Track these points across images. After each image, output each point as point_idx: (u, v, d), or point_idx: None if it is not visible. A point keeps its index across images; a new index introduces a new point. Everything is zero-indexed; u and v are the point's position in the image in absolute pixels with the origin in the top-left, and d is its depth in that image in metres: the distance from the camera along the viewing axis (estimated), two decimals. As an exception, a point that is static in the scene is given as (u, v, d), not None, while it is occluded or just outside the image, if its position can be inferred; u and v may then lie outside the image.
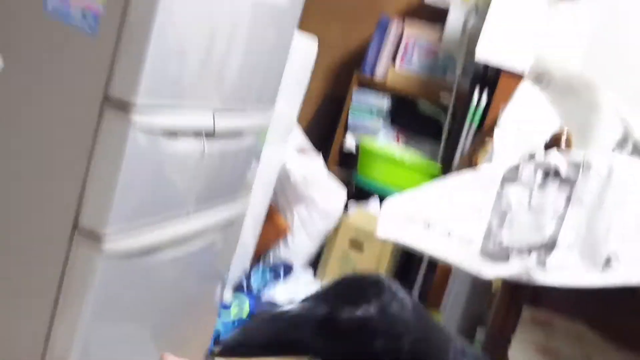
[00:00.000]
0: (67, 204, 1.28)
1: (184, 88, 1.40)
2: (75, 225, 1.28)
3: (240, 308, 2.37)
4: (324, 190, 2.77)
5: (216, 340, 2.13)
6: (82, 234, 1.28)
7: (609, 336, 1.38)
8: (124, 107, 1.25)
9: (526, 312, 1.57)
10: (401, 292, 0.77)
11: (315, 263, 2.92)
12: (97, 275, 1.28)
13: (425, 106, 3.19)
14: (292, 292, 2.60)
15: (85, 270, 1.28)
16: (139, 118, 1.26)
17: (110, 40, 1.24)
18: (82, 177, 1.28)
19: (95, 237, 1.27)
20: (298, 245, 2.79)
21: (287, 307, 0.82)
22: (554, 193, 1.08)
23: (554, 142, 1.15)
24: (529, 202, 1.08)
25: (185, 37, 1.34)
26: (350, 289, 0.78)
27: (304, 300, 0.86)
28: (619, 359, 1.63)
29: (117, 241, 1.30)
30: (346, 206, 2.91)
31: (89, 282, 1.28)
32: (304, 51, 2.34)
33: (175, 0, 1.26)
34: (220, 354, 0.85)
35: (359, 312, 0.73)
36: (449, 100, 2.96)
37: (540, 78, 1.36)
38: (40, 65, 1.29)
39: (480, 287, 1.61)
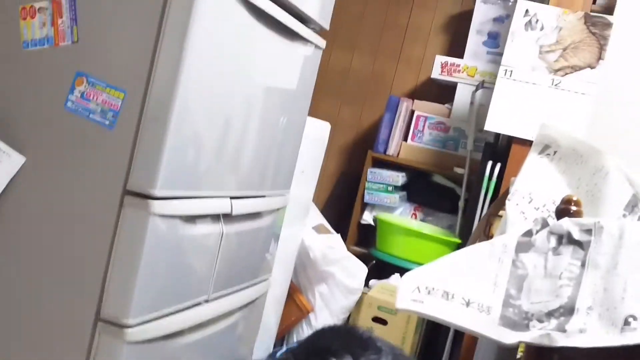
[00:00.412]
0: (89, 294, 1.31)
1: (201, 176, 1.45)
2: (98, 316, 1.30)
3: (265, 391, 2.35)
4: (344, 266, 2.78)
5: None
6: (105, 323, 1.30)
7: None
8: (143, 198, 1.29)
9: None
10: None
11: (339, 342, 2.89)
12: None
13: (440, 179, 3.24)
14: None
15: (109, 359, 1.30)
16: (158, 207, 1.31)
17: (129, 134, 1.30)
18: (103, 268, 1.31)
19: (118, 326, 1.29)
20: (320, 324, 2.78)
21: None
22: (569, 258, 1.09)
23: (564, 209, 1.17)
24: (545, 268, 1.10)
25: (200, 128, 1.40)
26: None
27: None
28: None
29: (140, 328, 1.32)
30: (367, 282, 2.91)
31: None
32: (317, 134, 2.41)
33: (191, 92, 1.32)
34: None
35: None
36: (463, 172, 3.00)
37: (547, 147, 1.40)
38: (61, 159, 1.34)
39: (505, 352, 1.60)
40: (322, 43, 1.94)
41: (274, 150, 1.81)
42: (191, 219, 1.43)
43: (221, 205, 1.56)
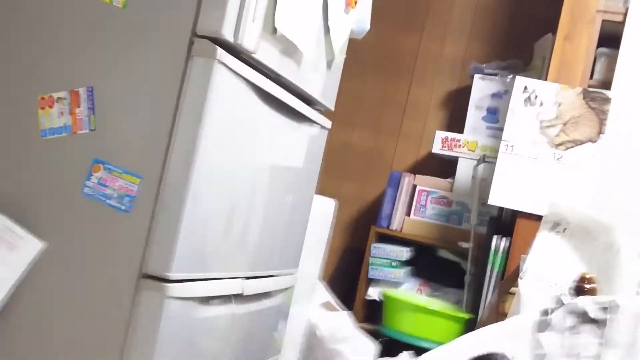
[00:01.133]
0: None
1: (213, 258, 1.46)
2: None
3: None
4: (353, 344, 2.74)
5: None
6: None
7: None
8: (159, 281, 1.30)
9: None
10: None
11: (349, 423, 2.83)
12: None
13: (445, 253, 3.24)
14: None
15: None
16: (173, 290, 1.31)
17: (145, 218, 1.31)
18: (119, 351, 1.30)
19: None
20: (331, 406, 2.72)
21: None
22: (587, 336, 1.10)
23: (579, 287, 1.18)
24: (562, 346, 1.10)
25: (212, 210, 1.42)
26: None
27: None
28: None
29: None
30: (376, 360, 2.86)
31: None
32: (323, 212, 2.43)
33: (203, 176, 1.34)
34: None
35: None
36: (468, 247, 3.01)
37: (557, 224, 1.42)
38: (79, 244, 1.35)
39: None
40: (327, 123, 1.99)
41: (282, 229, 1.83)
42: (205, 300, 1.43)
43: (233, 286, 1.56)
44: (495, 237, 2.68)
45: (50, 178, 1.37)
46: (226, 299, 1.55)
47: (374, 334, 2.96)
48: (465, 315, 2.86)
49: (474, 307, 2.87)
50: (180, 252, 1.31)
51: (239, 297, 1.60)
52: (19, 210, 1.36)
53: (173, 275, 1.31)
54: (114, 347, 1.30)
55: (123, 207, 1.33)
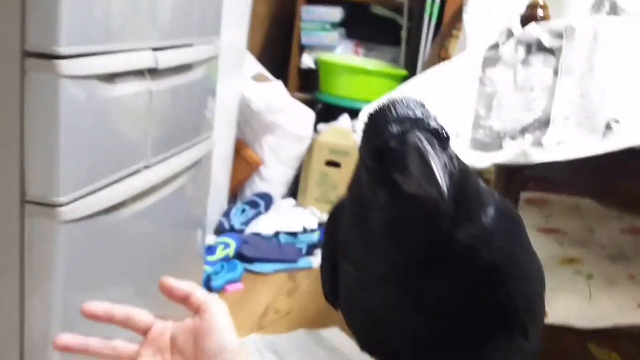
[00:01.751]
0: (9, 177, 1.15)
1: (114, 29, 1.26)
2: (23, 198, 1.16)
3: (226, 248, 2.29)
4: (289, 114, 2.65)
5: (207, 285, 2.06)
6: (33, 205, 1.15)
7: (609, 204, 1.32)
8: (47, 59, 1.10)
9: (522, 197, 1.51)
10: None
11: (294, 190, 2.84)
12: (60, 243, 1.17)
13: (379, 10, 3.05)
14: (276, 222, 2.52)
15: (45, 242, 1.17)
16: (66, 67, 1.12)
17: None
18: (18, 146, 1.14)
19: (48, 206, 1.15)
20: (273, 176, 2.69)
21: None
22: (540, 67, 0.98)
23: (529, 15, 1.04)
24: (515, 81, 0.98)
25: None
26: None
27: None
28: (621, 224, 1.59)
29: (74, 206, 1.19)
30: (315, 127, 2.80)
31: (52, 252, 1.17)
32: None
33: None
34: None
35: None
36: (403, 0, 2.83)
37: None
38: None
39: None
40: None
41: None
42: (109, 78, 1.25)
43: (144, 59, 1.38)
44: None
45: None
46: (138, 75, 1.37)
47: (310, 103, 2.87)
48: (403, 72, 2.77)
49: (411, 63, 2.77)
50: (67, 21, 1.10)
51: (154, 73, 1.43)
52: None
53: (63, 51, 1.11)
54: (11, 145, 1.14)
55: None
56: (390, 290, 0.58)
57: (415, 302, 0.57)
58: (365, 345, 0.66)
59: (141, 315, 0.62)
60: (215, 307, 0.61)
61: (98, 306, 0.62)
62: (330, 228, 0.68)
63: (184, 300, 0.63)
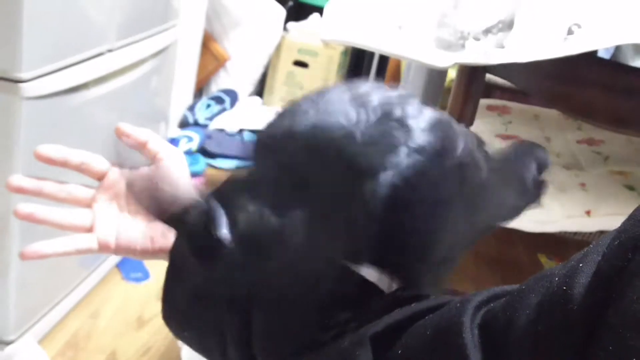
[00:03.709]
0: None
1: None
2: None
3: (189, 141, 2.30)
4: (259, 10, 2.60)
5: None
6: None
7: (570, 113, 1.35)
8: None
9: (482, 103, 1.54)
10: None
11: (260, 88, 2.83)
12: (22, 120, 1.17)
13: None
14: (241, 119, 2.52)
15: (7, 118, 1.16)
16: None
17: None
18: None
19: (11, 81, 1.14)
20: (239, 72, 2.67)
21: None
22: (508, -33, 0.98)
23: None
24: (482, -20, 0.98)
25: None
26: None
27: None
28: (578, 136, 1.64)
29: (37, 82, 1.18)
30: (285, 26, 2.76)
31: (13, 128, 1.17)
32: None
33: None
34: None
35: None
36: None
37: None
38: None
39: (433, 86, 1.55)
40: None
41: None
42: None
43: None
44: None
45: None
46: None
47: (282, 0, 2.82)
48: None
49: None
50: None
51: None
52: None
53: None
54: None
55: None
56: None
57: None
58: None
59: (97, 161, 0.61)
60: (172, 155, 0.61)
61: (53, 148, 0.60)
62: None
63: (142, 147, 0.61)
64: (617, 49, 2.01)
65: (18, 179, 0.59)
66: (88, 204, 0.61)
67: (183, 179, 0.60)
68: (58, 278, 1.51)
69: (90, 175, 0.61)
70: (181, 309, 0.58)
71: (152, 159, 0.60)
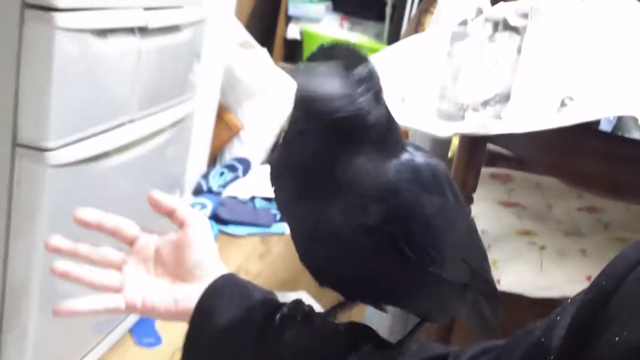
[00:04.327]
0: (2, 121, 1.21)
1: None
2: (15, 142, 1.22)
3: (203, 208, 2.36)
4: (271, 82, 2.71)
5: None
6: (24, 148, 1.22)
7: (569, 182, 1.40)
8: (44, 10, 1.16)
9: (485, 171, 1.59)
10: None
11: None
12: (47, 187, 1.23)
13: (366, -15, 3.11)
14: (253, 187, 2.59)
15: (33, 185, 1.23)
16: (62, 20, 1.18)
17: None
18: (13, 92, 1.20)
19: (38, 150, 1.22)
20: (253, 141, 2.76)
21: None
22: (504, 44, 1.05)
23: (499, -6, 1.12)
24: (480, 56, 1.06)
25: None
26: None
27: None
28: (579, 203, 1.68)
29: (62, 151, 1.25)
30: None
31: (38, 195, 1.23)
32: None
33: None
34: None
35: None
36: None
37: None
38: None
39: (437, 155, 1.61)
40: None
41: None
42: (102, 33, 1.31)
43: (135, 17, 1.43)
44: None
45: None
46: (129, 32, 1.43)
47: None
48: (385, 48, 2.83)
49: (394, 39, 2.83)
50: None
51: (144, 31, 1.48)
52: None
53: (60, 4, 1.16)
54: (7, 91, 1.19)
55: None
56: (296, 215, 0.57)
57: (311, 228, 0.55)
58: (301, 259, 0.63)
59: (129, 226, 0.66)
60: (198, 222, 0.66)
61: (90, 213, 0.65)
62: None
63: (170, 214, 0.66)
64: (619, 120, 2.07)
65: (57, 240, 0.64)
66: (119, 267, 0.65)
67: (207, 244, 0.65)
68: (73, 341, 1.54)
69: (122, 240, 0.66)
70: None
71: (180, 225, 0.65)
